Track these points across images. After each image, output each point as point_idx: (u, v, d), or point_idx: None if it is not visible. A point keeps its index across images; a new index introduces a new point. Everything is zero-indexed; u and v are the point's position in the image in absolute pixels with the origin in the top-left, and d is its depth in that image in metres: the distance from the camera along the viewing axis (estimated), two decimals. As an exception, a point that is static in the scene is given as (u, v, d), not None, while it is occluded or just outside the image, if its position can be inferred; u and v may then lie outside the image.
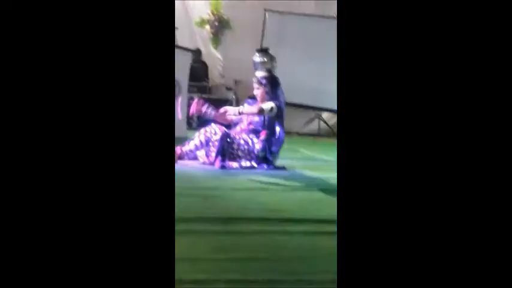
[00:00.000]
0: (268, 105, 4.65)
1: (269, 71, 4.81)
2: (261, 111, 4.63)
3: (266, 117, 4.69)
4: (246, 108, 4.78)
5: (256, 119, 4.74)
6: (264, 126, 4.71)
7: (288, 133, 7.81)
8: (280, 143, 4.75)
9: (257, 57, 4.86)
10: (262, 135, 4.66)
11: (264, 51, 4.97)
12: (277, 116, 4.71)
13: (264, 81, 4.75)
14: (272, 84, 4.76)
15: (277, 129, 4.72)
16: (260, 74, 4.80)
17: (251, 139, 4.66)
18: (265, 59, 4.82)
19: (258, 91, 4.79)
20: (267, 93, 4.74)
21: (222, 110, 4.78)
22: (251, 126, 4.74)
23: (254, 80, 4.83)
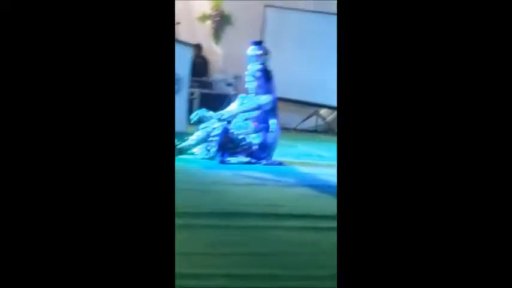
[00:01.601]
0: (265, 99, 4.68)
1: (263, 64, 4.81)
2: (259, 107, 4.67)
3: (262, 112, 4.71)
4: (243, 105, 4.80)
5: (254, 114, 4.76)
6: (259, 120, 4.73)
7: (286, 129, 7.83)
8: (276, 136, 4.78)
9: (251, 50, 4.86)
10: (252, 125, 4.70)
11: (258, 44, 4.96)
12: (272, 110, 4.74)
13: (258, 74, 4.76)
14: (265, 77, 4.77)
15: (273, 122, 4.75)
16: (254, 67, 4.80)
17: (249, 134, 4.70)
18: (260, 52, 4.83)
19: (251, 84, 4.79)
20: (260, 86, 4.74)
21: (218, 114, 4.79)
22: (249, 122, 4.77)
23: (247, 73, 4.83)
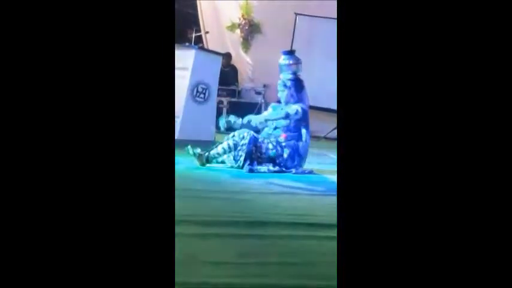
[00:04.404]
0: (294, 108, 4.65)
1: (294, 73, 4.81)
2: (287, 116, 4.64)
3: (292, 121, 4.69)
4: (271, 114, 4.80)
5: (283, 122, 4.73)
6: (289, 130, 4.71)
7: (315, 137, 7.77)
8: (306, 146, 4.75)
9: (283, 60, 4.86)
10: (282, 138, 4.67)
11: (290, 53, 4.96)
12: (303, 119, 4.71)
13: (289, 84, 4.75)
14: (297, 86, 4.76)
15: (303, 132, 4.72)
16: (286, 76, 4.80)
17: (279, 143, 4.67)
18: (291, 61, 4.81)
19: (283, 93, 4.79)
20: (291, 95, 4.74)
21: (246, 119, 4.79)
22: (278, 131, 4.74)
23: (279, 82, 4.83)
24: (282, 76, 4.83)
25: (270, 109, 4.95)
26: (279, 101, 4.92)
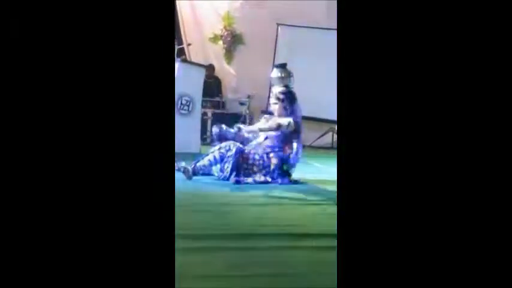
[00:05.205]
0: (286, 120, 4.68)
1: (287, 86, 4.86)
2: (279, 127, 4.66)
3: (283, 133, 4.70)
4: (263, 124, 4.82)
5: (273, 133, 4.75)
6: (281, 141, 4.73)
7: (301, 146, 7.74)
8: (297, 158, 4.77)
9: (275, 73, 4.92)
10: (289, 150, 4.69)
11: (281, 66, 5.01)
12: (295, 131, 4.75)
13: (282, 97, 4.79)
14: (290, 99, 4.80)
15: (295, 144, 4.75)
16: (278, 89, 4.85)
17: (267, 154, 4.68)
18: (283, 75, 4.88)
19: (275, 106, 4.83)
20: (284, 108, 4.77)
21: (236, 128, 4.82)
22: (268, 141, 4.76)
23: (271, 95, 4.87)
24: (274, 89, 4.88)
25: (262, 120, 4.97)
26: (270, 113, 4.95)
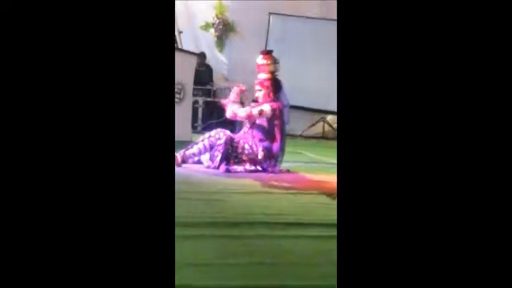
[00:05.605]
0: (267, 106, 4.65)
1: (272, 73, 4.80)
2: (260, 113, 4.63)
3: (268, 121, 4.68)
4: (246, 109, 4.77)
5: (258, 121, 4.73)
6: (266, 130, 4.70)
7: (292, 136, 7.77)
8: (282, 144, 4.75)
9: (260, 60, 4.85)
10: (273, 139, 4.67)
11: (267, 53, 4.96)
12: (278, 118, 4.70)
13: (266, 83, 4.75)
14: (274, 86, 4.75)
15: (279, 131, 4.72)
16: (263, 76, 4.80)
17: (255, 143, 4.66)
18: (268, 62, 4.81)
19: (260, 93, 4.79)
20: (269, 95, 4.73)
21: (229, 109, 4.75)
22: (255, 130, 4.73)
23: (256, 82, 4.82)
24: (259, 76, 4.83)
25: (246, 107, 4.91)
26: (256, 101, 4.91)
